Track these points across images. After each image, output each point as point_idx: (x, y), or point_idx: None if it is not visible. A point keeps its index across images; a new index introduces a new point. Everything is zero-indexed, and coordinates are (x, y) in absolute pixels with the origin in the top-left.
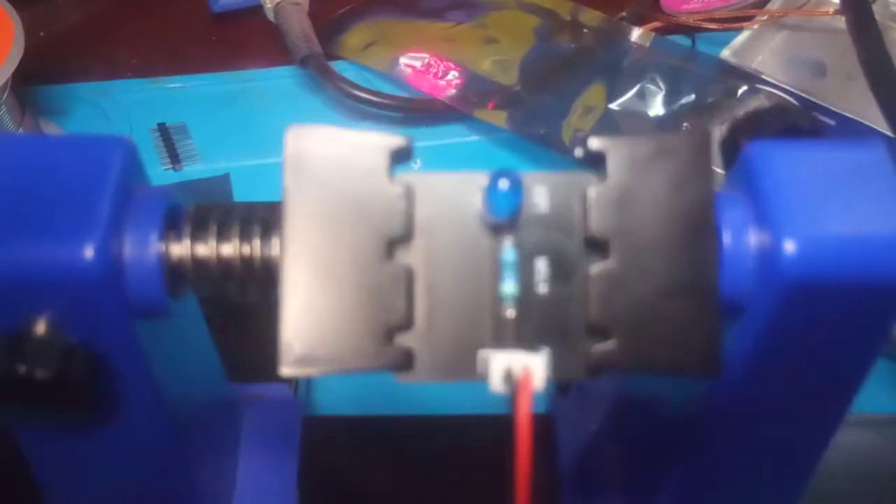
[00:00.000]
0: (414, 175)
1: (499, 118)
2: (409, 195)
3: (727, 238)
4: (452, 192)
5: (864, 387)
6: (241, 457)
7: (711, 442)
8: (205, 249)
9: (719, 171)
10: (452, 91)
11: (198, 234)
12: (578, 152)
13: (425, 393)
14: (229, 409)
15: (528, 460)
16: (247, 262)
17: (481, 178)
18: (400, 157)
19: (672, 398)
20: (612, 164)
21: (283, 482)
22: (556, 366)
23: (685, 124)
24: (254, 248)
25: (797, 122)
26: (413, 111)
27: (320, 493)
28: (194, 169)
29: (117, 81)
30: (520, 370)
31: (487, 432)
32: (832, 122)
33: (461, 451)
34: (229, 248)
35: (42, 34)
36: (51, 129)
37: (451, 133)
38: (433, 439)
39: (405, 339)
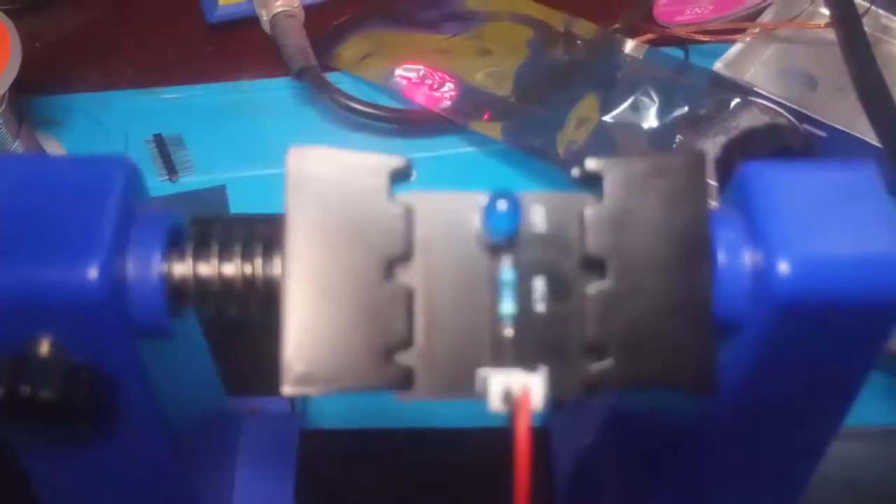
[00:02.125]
0: (413, 195)
1: (493, 130)
2: (408, 215)
3: (722, 257)
4: (451, 212)
5: (857, 399)
6: (238, 470)
7: (706, 455)
8: (207, 269)
9: (713, 182)
10: (447, 103)
11: (200, 253)
12: (575, 172)
13: (423, 406)
14: (227, 422)
15: (528, 479)
16: (248, 281)
17: (480, 198)
18: (399, 178)
19: (668, 412)
20: (609, 184)
21: (280, 496)
22: (554, 384)
23: (678, 137)
24: (255, 267)
25: (790, 141)
26: (408, 123)
27: None
28: (190, 180)
29: (114, 92)
30: (518, 389)
31: (485, 445)
32: (823, 134)
33: (459, 465)
34: (231, 268)
35: (38, 45)
36: (48, 140)
37: (446, 145)
38: (431, 453)
39: (405, 358)
